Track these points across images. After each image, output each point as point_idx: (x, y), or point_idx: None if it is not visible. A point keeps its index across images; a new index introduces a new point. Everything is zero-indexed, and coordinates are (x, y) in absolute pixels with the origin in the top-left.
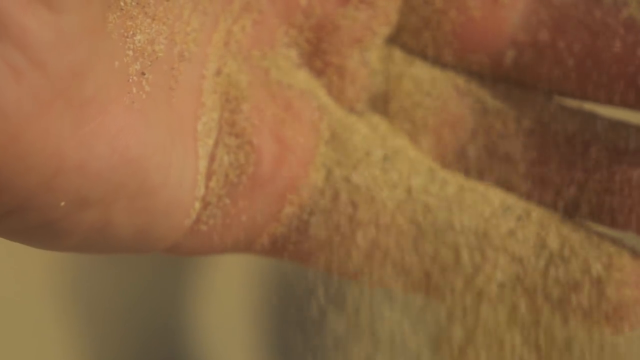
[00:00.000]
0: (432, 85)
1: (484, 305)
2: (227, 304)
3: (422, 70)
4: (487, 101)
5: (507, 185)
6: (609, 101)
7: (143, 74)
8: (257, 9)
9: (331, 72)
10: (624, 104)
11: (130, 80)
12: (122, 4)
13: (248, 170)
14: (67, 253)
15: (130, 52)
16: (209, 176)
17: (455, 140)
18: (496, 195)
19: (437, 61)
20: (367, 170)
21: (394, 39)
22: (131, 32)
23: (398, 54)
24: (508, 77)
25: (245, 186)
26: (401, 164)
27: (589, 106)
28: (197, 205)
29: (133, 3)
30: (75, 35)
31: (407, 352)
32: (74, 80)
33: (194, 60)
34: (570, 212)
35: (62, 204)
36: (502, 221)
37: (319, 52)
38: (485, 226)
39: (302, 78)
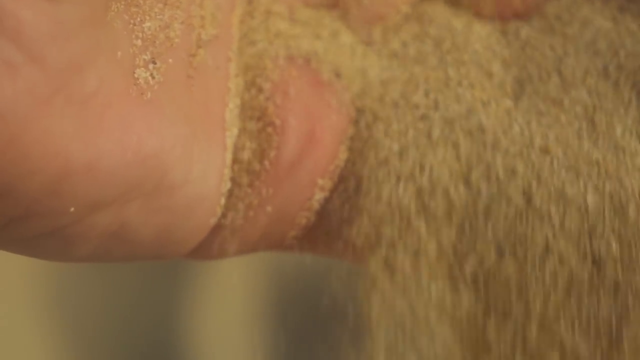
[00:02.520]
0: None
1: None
2: (224, 315)
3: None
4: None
5: None
6: None
7: (154, 62)
8: None
9: None
10: None
11: (137, 71)
12: None
13: (270, 155)
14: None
15: (139, 42)
16: (232, 167)
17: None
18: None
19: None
20: (407, 149)
21: None
22: (138, 19)
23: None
24: None
25: (269, 173)
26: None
27: None
28: (224, 201)
29: None
30: (74, 25)
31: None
32: (74, 74)
33: (217, 43)
34: None
35: (72, 209)
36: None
37: None
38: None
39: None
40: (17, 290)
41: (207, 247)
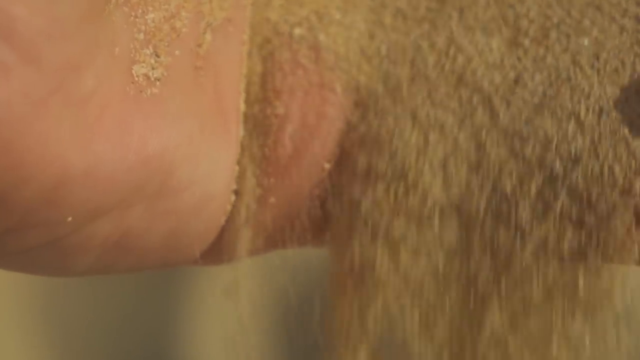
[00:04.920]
0: None
1: None
2: (220, 325)
3: None
4: None
5: None
6: None
7: (157, 56)
8: None
9: None
10: None
11: (135, 67)
12: None
13: (268, 141)
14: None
15: (141, 35)
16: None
17: None
18: None
19: None
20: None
21: None
22: (140, 11)
23: None
24: None
25: (269, 160)
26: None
27: None
28: (234, 198)
29: None
30: (71, 22)
31: None
32: (70, 74)
33: (229, 27)
34: None
35: (69, 219)
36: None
37: None
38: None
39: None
40: (1, 300)
41: (217, 250)
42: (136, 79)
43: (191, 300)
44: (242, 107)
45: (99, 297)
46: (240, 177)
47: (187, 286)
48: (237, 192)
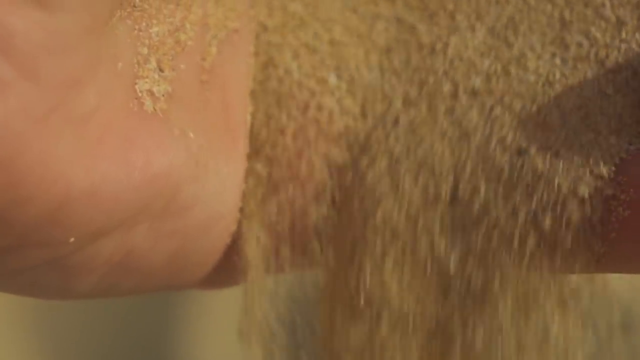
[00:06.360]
0: None
1: None
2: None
3: None
4: None
5: None
6: None
7: (161, 71)
8: None
9: None
10: None
11: (139, 82)
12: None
13: (267, 152)
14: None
15: (145, 49)
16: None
17: None
18: None
19: None
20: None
21: None
22: (144, 24)
23: None
24: None
25: (268, 178)
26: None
27: None
28: (239, 217)
29: None
30: (72, 36)
31: None
32: (71, 90)
33: (237, 39)
34: None
35: (72, 239)
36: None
37: None
38: None
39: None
40: None
41: (223, 273)
42: (140, 94)
43: (189, 311)
44: (249, 119)
45: (93, 306)
46: (247, 195)
47: (184, 298)
48: (242, 211)
